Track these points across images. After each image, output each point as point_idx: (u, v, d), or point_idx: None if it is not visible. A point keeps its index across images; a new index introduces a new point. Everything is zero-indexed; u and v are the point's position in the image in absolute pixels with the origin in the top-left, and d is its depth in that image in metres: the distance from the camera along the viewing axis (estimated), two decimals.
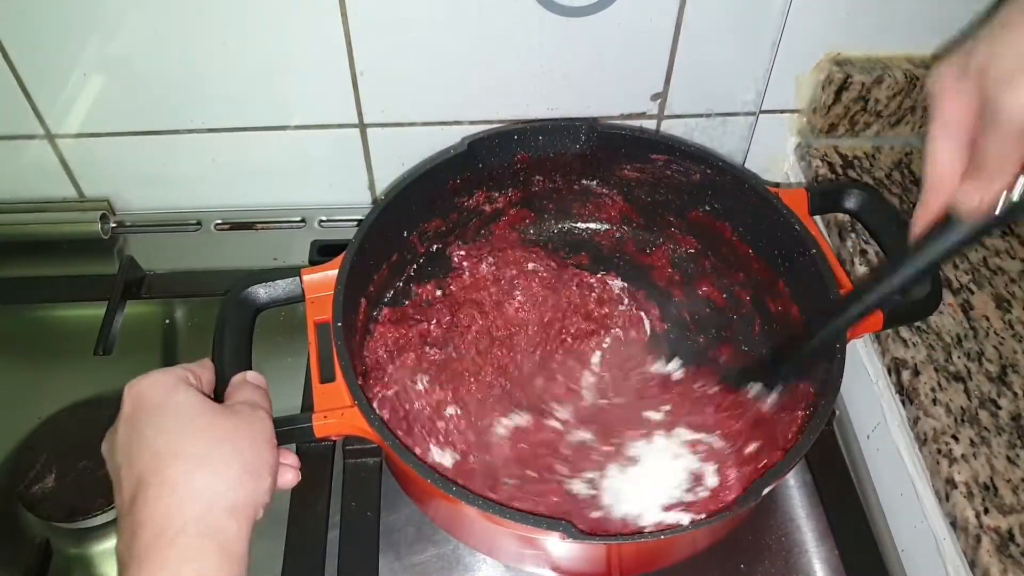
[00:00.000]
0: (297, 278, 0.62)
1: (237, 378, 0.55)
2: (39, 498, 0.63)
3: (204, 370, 0.53)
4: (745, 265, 0.74)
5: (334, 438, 0.58)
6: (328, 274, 0.62)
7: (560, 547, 0.55)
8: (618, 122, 0.82)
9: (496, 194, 0.76)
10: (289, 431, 0.54)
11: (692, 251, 0.78)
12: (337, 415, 0.56)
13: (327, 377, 0.58)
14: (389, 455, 0.54)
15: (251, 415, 0.49)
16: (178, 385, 0.49)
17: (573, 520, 0.51)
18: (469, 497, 0.51)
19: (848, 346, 0.59)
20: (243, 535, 0.44)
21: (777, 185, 0.71)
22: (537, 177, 0.76)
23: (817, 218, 0.76)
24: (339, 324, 0.59)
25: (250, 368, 0.57)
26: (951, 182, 0.43)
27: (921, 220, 0.46)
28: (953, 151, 0.43)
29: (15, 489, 0.63)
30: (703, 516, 0.56)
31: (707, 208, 0.74)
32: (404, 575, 0.63)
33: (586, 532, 0.50)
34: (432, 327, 0.72)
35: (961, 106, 0.42)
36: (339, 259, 0.63)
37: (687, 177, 0.72)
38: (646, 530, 0.57)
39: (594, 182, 0.77)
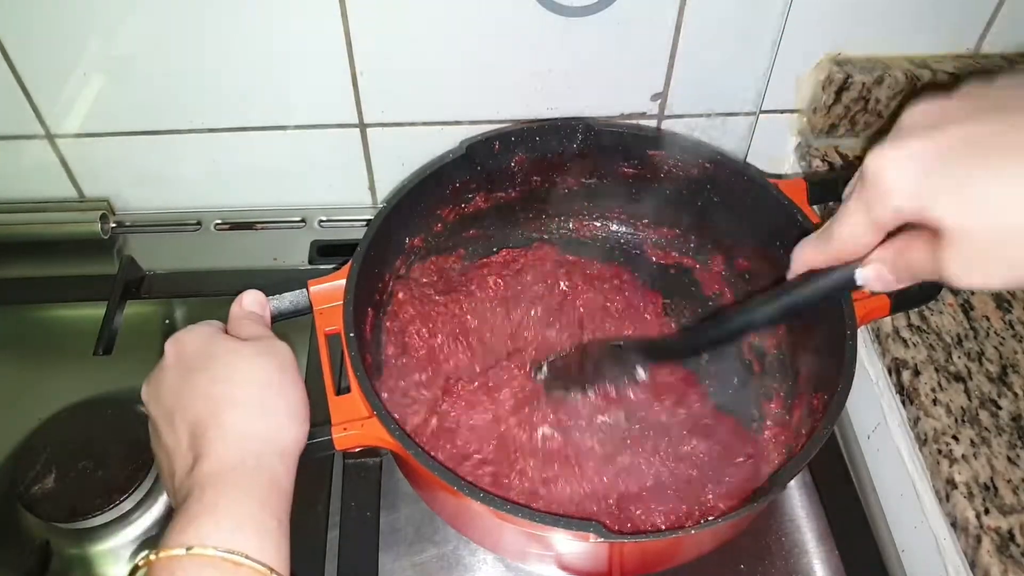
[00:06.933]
0: (304, 290, 0.62)
1: (235, 311, 0.57)
2: (39, 498, 0.63)
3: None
4: (747, 256, 0.74)
5: (356, 448, 0.57)
6: (335, 284, 0.62)
7: (576, 546, 0.55)
8: (616, 121, 0.82)
9: (496, 196, 0.76)
10: (309, 445, 0.53)
11: (693, 245, 0.79)
12: (357, 426, 0.55)
13: (341, 388, 0.57)
14: (408, 461, 0.54)
15: (284, 356, 0.53)
16: (217, 334, 0.53)
17: None
18: (496, 502, 0.51)
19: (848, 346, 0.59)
20: (290, 474, 0.49)
21: (777, 177, 0.72)
22: (535, 178, 0.76)
23: (816, 209, 0.76)
24: (351, 335, 0.58)
25: None
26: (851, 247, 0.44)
27: (806, 261, 0.48)
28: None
29: (15, 489, 0.63)
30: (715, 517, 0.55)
31: (707, 202, 0.74)
32: (404, 575, 0.63)
33: (615, 531, 0.51)
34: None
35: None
36: (345, 269, 0.62)
37: (685, 172, 0.73)
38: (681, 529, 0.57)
39: (593, 181, 0.77)
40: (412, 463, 0.54)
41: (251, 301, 0.58)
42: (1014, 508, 0.56)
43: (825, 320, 0.62)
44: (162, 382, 0.52)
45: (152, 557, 0.42)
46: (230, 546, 0.42)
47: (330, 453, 0.55)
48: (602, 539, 0.49)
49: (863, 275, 0.43)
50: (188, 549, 0.42)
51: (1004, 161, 0.36)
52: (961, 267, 0.37)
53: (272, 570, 0.43)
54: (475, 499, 0.51)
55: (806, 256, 0.47)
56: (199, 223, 0.88)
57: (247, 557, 0.42)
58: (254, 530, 0.44)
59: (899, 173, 0.38)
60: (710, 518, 0.55)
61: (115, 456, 0.65)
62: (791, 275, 0.49)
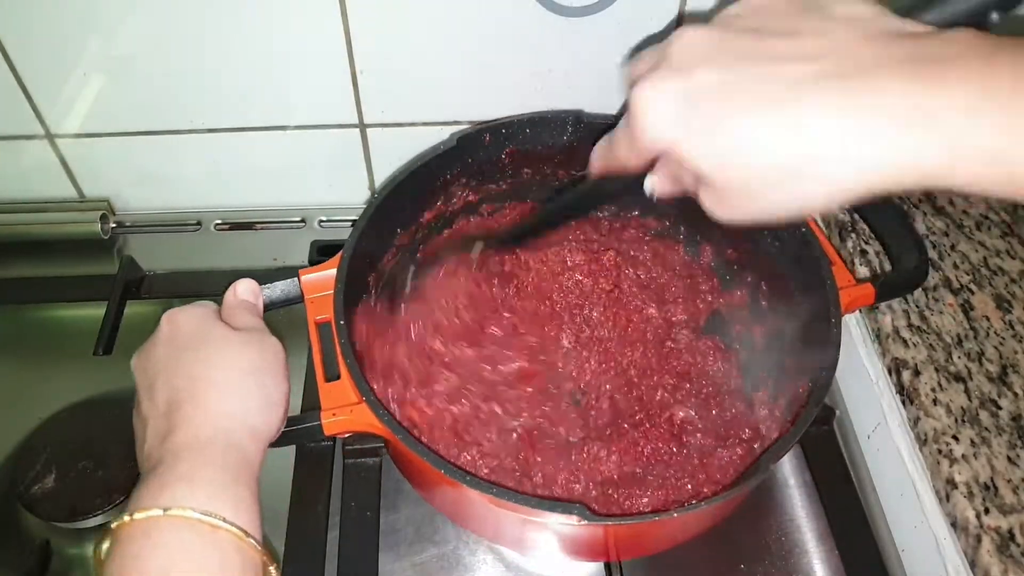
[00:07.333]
0: (295, 279, 0.63)
1: (230, 299, 0.59)
2: (39, 498, 0.63)
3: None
4: (735, 246, 0.74)
5: (345, 434, 0.58)
6: (326, 274, 0.63)
7: (571, 528, 0.55)
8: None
9: (487, 188, 0.76)
10: (298, 430, 0.54)
11: (683, 237, 0.78)
12: (346, 412, 0.56)
13: (331, 375, 0.58)
14: (399, 448, 0.55)
15: (271, 348, 0.54)
16: (212, 318, 0.55)
17: None
18: (483, 485, 0.51)
19: (848, 347, 0.59)
20: (259, 456, 0.50)
21: None
22: (526, 170, 0.76)
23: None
24: (342, 322, 0.59)
25: None
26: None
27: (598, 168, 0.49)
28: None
29: (15, 489, 0.63)
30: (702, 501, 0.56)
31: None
32: (404, 575, 0.63)
33: (600, 513, 0.51)
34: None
35: None
36: (336, 258, 0.63)
37: None
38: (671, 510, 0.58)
39: (584, 172, 0.77)
40: (401, 449, 0.54)
41: (245, 289, 0.59)
42: (1014, 508, 0.56)
43: (810, 309, 0.63)
44: (151, 354, 0.53)
45: (127, 518, 0.43)
46: (207, 510, 0.43)
47: (321, 440, 0.56)
48: (586, 521, 0.50)
49: (647, 185, 0.45)
50: (166, 510, 0.42)
51: (749, 109, 0.36)
52: (711, 202, 0.40)
53: (248, 533, 0.44)
54: (462, 482, 0.51)
55: (597, 163, 0.49)
56: (199, 223, 0.88)
57: (224, 520, 0.43)
58: (228, 498, 0.45)
59: (656, 112, 0.39)
60: (694, 501, 0.55)
61: (115, 456, 0.65)
62: (591, 173, 0.51)
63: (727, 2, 0.42)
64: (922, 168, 0.34)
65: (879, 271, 0.71)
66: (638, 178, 0.46)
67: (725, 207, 0.40)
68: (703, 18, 0.41)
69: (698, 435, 0.66)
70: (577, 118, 0.73)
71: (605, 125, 0.71)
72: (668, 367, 0.71)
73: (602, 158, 0.48)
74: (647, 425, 0.66)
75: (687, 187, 0.42)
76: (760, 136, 0.36)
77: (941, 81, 0.33)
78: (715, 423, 0.67)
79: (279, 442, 0.55)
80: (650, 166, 0.44)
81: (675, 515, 0.52)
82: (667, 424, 0.66)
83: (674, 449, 0.65)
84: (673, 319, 0.74)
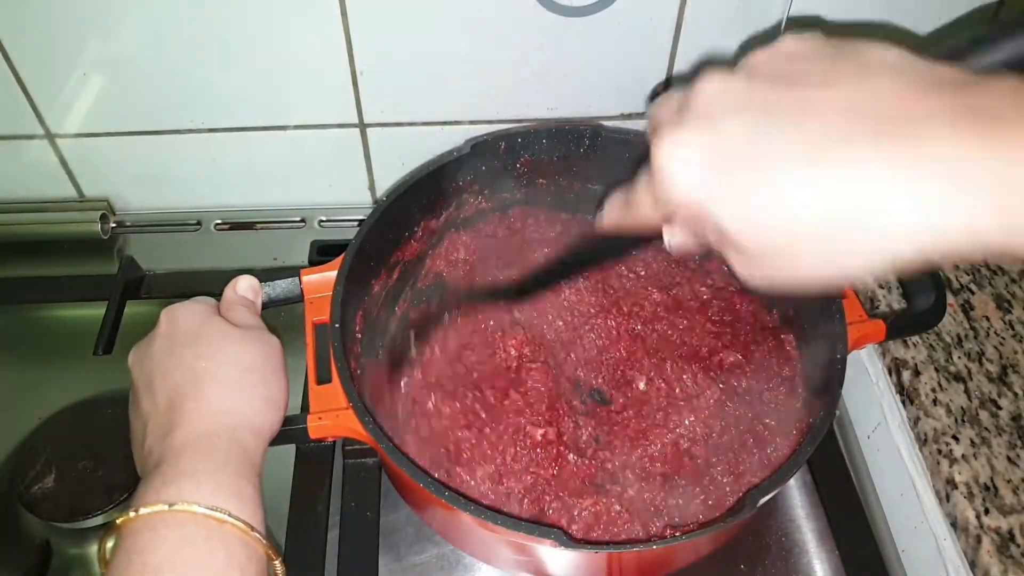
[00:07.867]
0: (296, 278, 0.62)
1: (229, 294, 0.59)
2: (39, 498, 0.63)
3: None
4: None
5: (330, 439, 0.58)
6: (327, 275, 0.62)
7: (553, 552, 0.55)
8: (620, 123, 0.81)
9: (499, 197, 0.76)
10: (284, 431, 0.54)
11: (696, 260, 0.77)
12: (332, 416, 0.55)
13: (323, 378, 0.58)
14: (383, 459, 0.54)
15: (271, 346, 0.55)
16: (211, 314, 0.55)
17: None
18: (461, 503, 0.50)
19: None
20: (260, 452, 0.50)
21: None
22: (540, 180, 0.76)
23: None
24: (337, 325, 0.59)
25: None
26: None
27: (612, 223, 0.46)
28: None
29: (15, 489, 0.63)
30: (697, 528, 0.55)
31: None
32: (404, 575, 0.63)
33: (578, 540, 0.49)
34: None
35: None
36: (339, 260, 0.63)
37: None
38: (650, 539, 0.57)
39: (598, 186, 0.77)
40: (383, 458, 0.53)
41: (245, 287, 0.60)
42: (1014, 508, 0.56)
43: (816, 343, 0.62)
44: (148, 350, 0.53)
45: (131, 514, 0.43)
46: (212, 505, 0.43)
47: (306, 442, 0.56)
48: (562, 546, 0.49)
49: (667, 240, 0.42)
50: (171, 506, 0.43)
51: (781, 166, 0.33)
52: (741, 265, 0.36)
53: (253, 528, 0.44)
54: (441, 497, 0.50)
55: (611, 217, 0.46)
56: (199, 223, 0.88)
57: (230, 515, 0.43)
58: (232, 493, 0.45)
59: (681, 170, 0.36)
60: (677, 533, 0.54)
61: (115, 456, 0.65)
62: (599, 227, 0.47)
63: (748, 47, 0.41)
64: (976, 232, 0.30)
65: (893, 307, 0.70)
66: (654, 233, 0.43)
67: (756, 271, 0.36)
68: (728, 63, 0.38)
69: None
70: (595, 131, 0.72)
71: (622, 138, 0.71)
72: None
73: (618, 214, 0.44)
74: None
75: (711, 245, 0.38)
76: (794, 196, 0.32)
77: (993, 137, 0.29)
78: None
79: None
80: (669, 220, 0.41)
81: (654, 547, 0.51)
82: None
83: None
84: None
